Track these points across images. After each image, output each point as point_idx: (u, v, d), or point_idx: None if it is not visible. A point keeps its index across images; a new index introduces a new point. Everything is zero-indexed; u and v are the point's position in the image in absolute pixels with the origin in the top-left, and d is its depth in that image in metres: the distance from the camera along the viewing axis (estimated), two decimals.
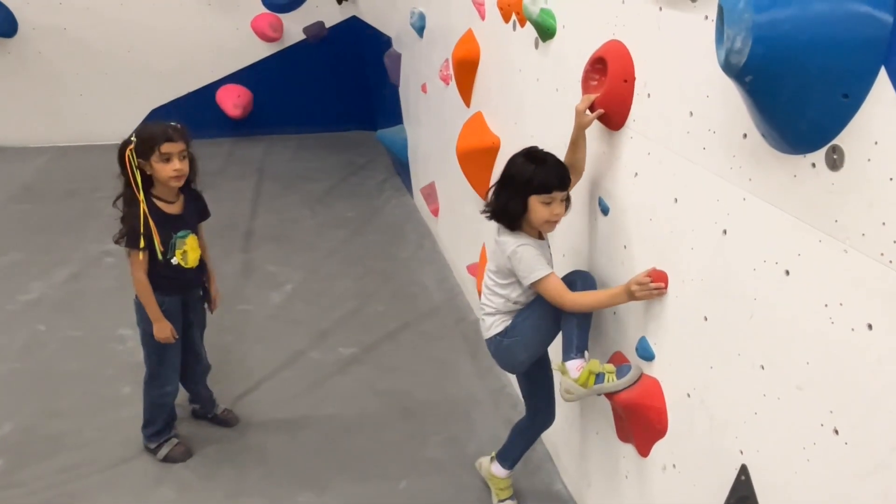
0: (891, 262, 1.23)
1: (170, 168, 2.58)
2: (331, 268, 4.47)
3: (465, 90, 3.86)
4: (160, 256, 2.62)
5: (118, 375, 3.36)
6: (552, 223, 2.24)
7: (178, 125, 2.70)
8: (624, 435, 2.24)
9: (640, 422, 2.07)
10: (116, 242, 2.66)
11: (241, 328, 3.76)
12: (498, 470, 2.65)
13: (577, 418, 2.66)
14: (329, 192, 5.75)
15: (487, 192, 2.39)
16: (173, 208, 2.69)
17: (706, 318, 1.78)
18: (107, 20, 6.45)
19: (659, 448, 2.05)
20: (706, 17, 1.71)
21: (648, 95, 2.00)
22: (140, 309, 2.73)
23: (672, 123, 1.88)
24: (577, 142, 2.31)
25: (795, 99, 1.33)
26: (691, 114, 1.80)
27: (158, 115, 6.77)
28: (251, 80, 6.79)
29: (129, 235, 2.59)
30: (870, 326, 1.29)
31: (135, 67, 6.60)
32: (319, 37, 6.70)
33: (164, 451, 2.84)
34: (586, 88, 2.24)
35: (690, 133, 1.81)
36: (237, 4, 6.53)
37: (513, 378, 3.39)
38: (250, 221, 5.14)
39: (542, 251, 2.31)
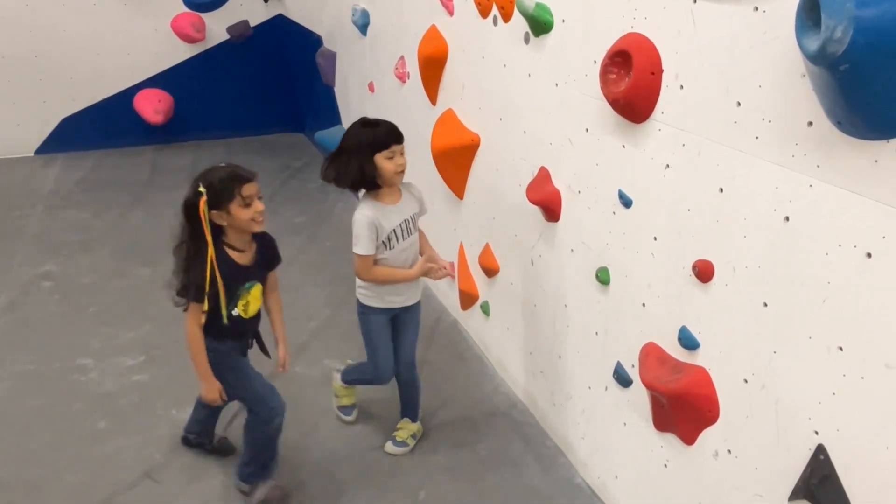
0: None
1: (252, 211, 2.37)
2: (293, 277, 4.28)
3: (431, 88, 3.79)
4: (224, 318, 2.40)
5: (88, 409, 3.09)
6: (400, 174, 2.59)
7: (232, 164, 2.47)
8: (663, 424, 2.26)
9: (688, 410, 2.09)
10: (179, 295, 2.41)
11: None
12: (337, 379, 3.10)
13: (593, 412, 2.67)
14: (271, 198, 5.52)
15: (324, 170, 2.65)
16: (245, 258, 2.46)
17: (766, 304, 1.81)
18: (10, 23, 5.92)
19: (708, 435, 2.08)
20: (756, 9, 1.74)
21: (681, 87, 2.02)
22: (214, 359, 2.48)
23: (714, 114, 1.90)
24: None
25: (891, 86, 1.36)
26: (739, 104, 1.82)
27: (70, 123, 6.32)
28: (172, 83, 6.43)
29: (195, 290, 2.36)
30: None
31: (43, 74, 6.10)
32: (244, 36, 6.43)
33: (260, 494, 2.59)
34: (605, 82, 2.24)
35: (738, 123, 1.83)
36: (155, 4, 6.15)
37: (507, 378, 3.38)
38: None
39: (386, 217, 2.63)
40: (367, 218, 2.60)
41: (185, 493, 2.66)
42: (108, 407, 3.10)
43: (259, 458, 2.61)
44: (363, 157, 2.53)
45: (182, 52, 6.39)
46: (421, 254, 2.81)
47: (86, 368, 3.35)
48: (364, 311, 2.80)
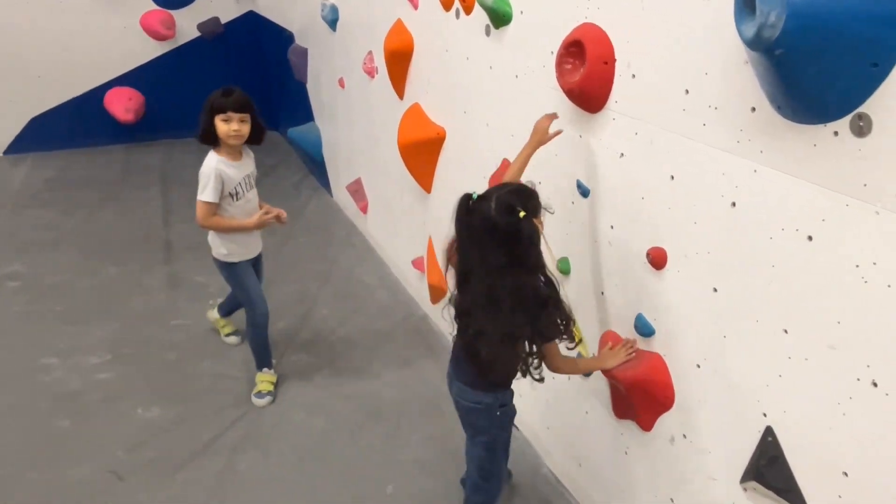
0: None
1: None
2: (266, 273, 4.27)
3: (398, 82, 3.79)
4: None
5: (53, 409, 3.06)
6: (233, 137, 2.92)
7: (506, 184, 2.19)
8: (622, 411, 2.28)
9: (644, 397, 2.11)
10: (551, 336, 2.12)
11: (183, 345, 3.53)
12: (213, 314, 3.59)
13: (558, 402, 2.69)
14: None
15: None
16: None
17: (715, 290, 1.83)
18: None
19: (665, 420, 2.10)
20: None
21: (633, 76, 2.03)
22: (489, 414, 2.24)
23: (664, 102, 1.92)
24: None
25: (824, 70, 1.38)
26: (687, 91, 1.84)
27: (39, 123, 6.26)
28: (142, 81, 6.37)
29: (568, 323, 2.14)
30: None
31: (9, 72, 6.02)
32: (215, 34, 6.39)
33: None
34: (561, 73, 2.25)
35: (687, 110, 1.85)
36: (124, 1, 6.09)
37: None
38: (165, 232, 4.83)
39: (231, 170, 2.98)
40: (214, 168, 2.92)
41: (147, 491, 2.65)
42: (73, 406, 3.07)
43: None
44: (208, 116, 2.91)
45: (152, 49, 6.33)
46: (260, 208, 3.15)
47: (50, 368, 3.32)
48: (229, 267, 3.10)
